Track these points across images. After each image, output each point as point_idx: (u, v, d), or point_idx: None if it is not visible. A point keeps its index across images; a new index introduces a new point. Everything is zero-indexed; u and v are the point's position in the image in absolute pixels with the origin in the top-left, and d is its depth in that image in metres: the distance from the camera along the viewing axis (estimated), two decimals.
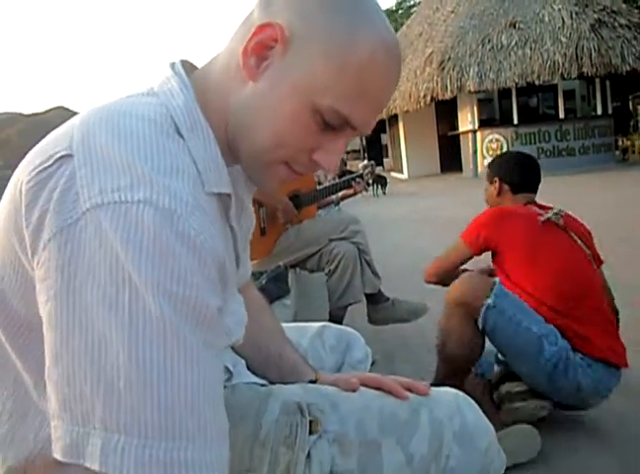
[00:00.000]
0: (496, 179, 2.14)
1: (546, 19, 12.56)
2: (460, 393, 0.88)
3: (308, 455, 0.75)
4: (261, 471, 0.75)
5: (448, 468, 0.78)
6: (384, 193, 12.10)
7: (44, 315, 0.53)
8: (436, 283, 2.18)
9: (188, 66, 0.72)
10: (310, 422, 0.77)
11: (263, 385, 0.89)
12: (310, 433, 0.76)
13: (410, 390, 0.84)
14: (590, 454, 1.76)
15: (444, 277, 2.12)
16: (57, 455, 0.51)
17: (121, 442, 0.49)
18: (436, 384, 1.55)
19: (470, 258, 2.05)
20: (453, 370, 1.91)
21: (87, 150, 0.56)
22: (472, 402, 0.86)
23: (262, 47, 0.63)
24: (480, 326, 1.80)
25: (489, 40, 12.75)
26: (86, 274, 0.51)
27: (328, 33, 0.62)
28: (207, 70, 0.70)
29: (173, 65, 0.69)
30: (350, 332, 1.19)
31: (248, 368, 0.97)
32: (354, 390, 0.85)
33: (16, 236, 0.57)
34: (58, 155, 0.56)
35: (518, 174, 2.13)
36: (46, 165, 0.56)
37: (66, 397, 0.51)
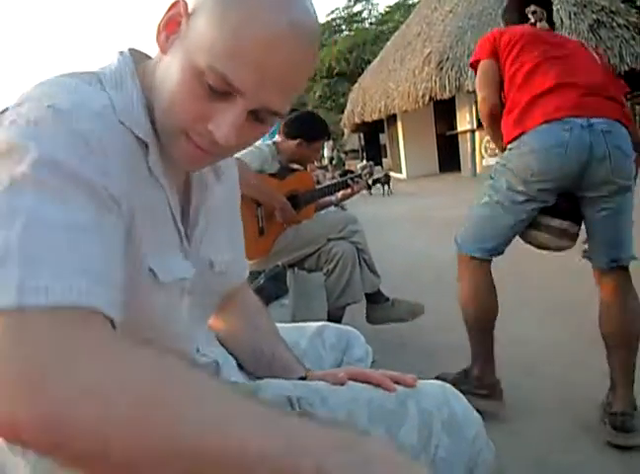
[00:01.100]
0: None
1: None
2: (447, 385, 0.90)
3: None
4: None
5: (438, 458, 0.79)
6: (389, 192, 12.14)
7: None
8: (494, 123, 2.06)
9: (138, 54, 0.78)
10: (299, 415, 0.77)
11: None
12: None
13: (398, 383, 0.85)
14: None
15: (495, 109, 2.04)
16: None
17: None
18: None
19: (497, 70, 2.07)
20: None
21: (18, 100, 0.63)
22: (459, 393, 0.89)
23: (172, 23, 0.68)
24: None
25: None
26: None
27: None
28: (148, 56, 0.77)
29: (121, 52, 0.76)
30: (349, 330, 1.19)
31: (239, 366, 0.98)
32: (342, 384, 0.85)
33: None
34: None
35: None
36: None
37: None
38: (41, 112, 0.59)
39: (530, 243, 2.06)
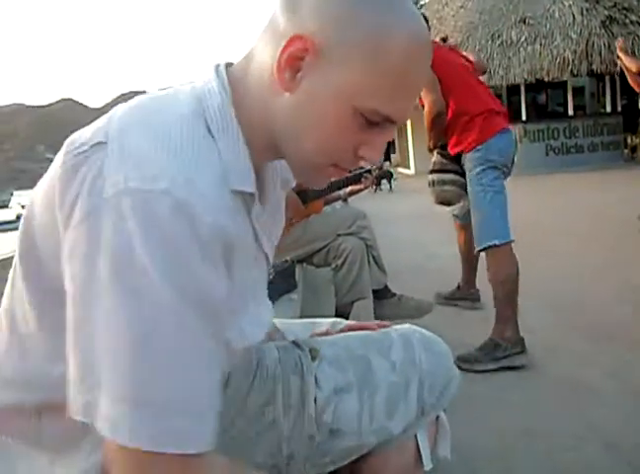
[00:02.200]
0: None
1: (556, 15, 12.47)
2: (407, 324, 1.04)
3: (316, 378, 0.87)
4: (276, 403, 0.85)
5: (423, 370, 0.91)
6: (390, 188, 12.03)
7: (69, 290, 0.58)
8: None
9: (229, 69, 0.74)
10: (310, 350, 0.91)
11: None
12: (313, 359, 0.89)
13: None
14: None
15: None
16: (72, 414, 0.57)
17: (119, 411, 0.54)
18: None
19: None
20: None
21: (119, 141, 0.60)
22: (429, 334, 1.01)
23: (293, 59, 0.64)
24: None
25: (498, 36, 12.68)
26: (104, 256, 0.55)
27: (359, 36, 0.62)
28: (244, 74, 0.71)
29: (217, 67, 0.71)
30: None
31: None
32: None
33: (52, 212, 0.61)
34: (94, 142, 0.61)
35: None
36: (82, 150, 0.61)
37: (80, 365, 0.57)
38: (157, 200, 0.55)
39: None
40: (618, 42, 5.53)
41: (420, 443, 0.90)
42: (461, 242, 3.23)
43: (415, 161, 16.54)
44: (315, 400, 0.86)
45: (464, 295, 3.35)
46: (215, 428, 0.60)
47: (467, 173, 2.66)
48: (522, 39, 12.37)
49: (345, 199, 3.26)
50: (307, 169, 0.72)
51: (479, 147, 2.59)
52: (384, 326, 1.03)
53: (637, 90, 4.64)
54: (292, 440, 0.85)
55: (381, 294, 2.80)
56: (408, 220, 7.34)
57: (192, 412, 0.57)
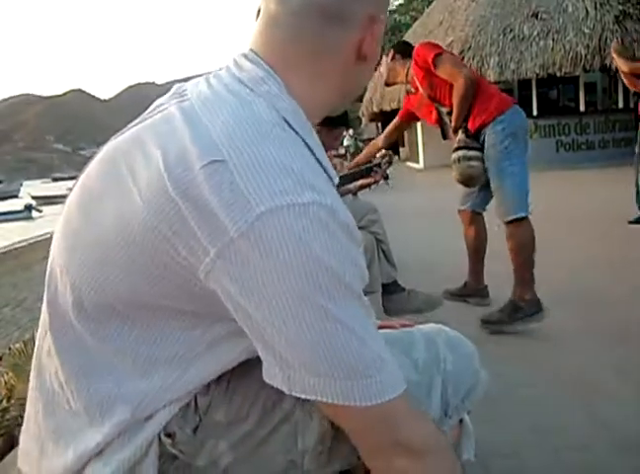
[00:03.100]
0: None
1: (569, 9, 12.35)
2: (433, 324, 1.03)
3: None
4: (290, 400, 0.81)
5: (447, 371, 0.90)
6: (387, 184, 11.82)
7: (241, 307, 0.65)
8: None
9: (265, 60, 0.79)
10: None
11: None
12: None
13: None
14: None
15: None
16: (294, 393, 0.68)
17: (366, 383, 0.67)
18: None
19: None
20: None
21: (239, 155, 0.64)
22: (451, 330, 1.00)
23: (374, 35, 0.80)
24: None
25: (510, 30, 12.56)
26: (279, 264, 0.62)
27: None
28: (287, 65, 0.77)
29: (259, 63, 0.76)
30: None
31: None
32: None
33: (169, 240, 0.65)
34: (209, 160, 0.63)
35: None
36: (195, 172, 0.64)
37: (289, 359, 0.66)
38: (312, 209, 0.63)
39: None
40: (613, 44, 5.98)
41: None
42: (470, 235, 3.18)
43: (424, 155, 16.46)
44: None
45: (473, 291, 3.30)
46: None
47: (490, 148, 2.73)
48: (535, 33, 12.25)
49: (355, 193, 3.24)
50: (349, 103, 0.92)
51: (501, 117, 2.69)
52: (407, 325, 1.03)
53: (632, 89, 4.86)
54: (307, 433, 0.83)
55: (391, 289, 2.79)
56: (418, 215, 7.30)
57: (387, 362, 0.70)
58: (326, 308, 0.64)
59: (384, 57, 3.00)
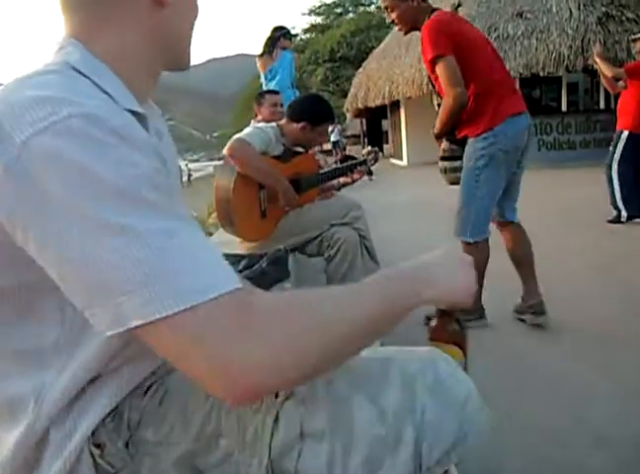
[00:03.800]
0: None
1: (554, 10, 12.44)
2: (436, 349, 0.89)
3: (277, 418, 0.76)
4: (231, 437, 0.77)
5: (425, 421, 0.76)
6: (370, 179, 11.66)
7: (31, 244, 0.61)
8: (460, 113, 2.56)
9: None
10: None
11: None
12: (276, 395, 0.77)
13: None
14: None
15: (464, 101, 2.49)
16: (105, 331, 0.60)
17: (145, 296, 0.57)
18: None
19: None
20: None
21: (6, 101, 0.62)
22: (449, 357, 0.87)
23: None
24: None
25: (495, 29, 12.63)
26: (50, 188, 0.58)
27: None
28: (93, 30, 0.76)
29: (62, 39, 0.77)
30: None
31: None
32: None
33: None
34: None
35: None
36: None
37: (86, 288, 0.60)
38: (68, 124, 0.60)
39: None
40: (595, 48, 6.04)
41: None
42: (507, 244, 2.87)
43: (408, 152, 16.52)
44: (271, 444, 0.75)
45: (526, 308, 2.85)
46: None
47: (466, 161, 2.63)
48: (519, 33, 12.33)
49: (338, 189, 3.24)
50: (188, 43, 0.84)
51: (486, 135, 2.54)
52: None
53: (612, 92, 5.22)
54: None
55: None
56: (401, 212, 7.33)
57: (208, 262, 0.62)
58: (112, 222, 0.58)
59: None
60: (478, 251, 2.60)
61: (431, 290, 0.77)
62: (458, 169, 2.70)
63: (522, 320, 2.85)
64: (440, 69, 2.47)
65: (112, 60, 0.75)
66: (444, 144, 2.81)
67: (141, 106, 0.82)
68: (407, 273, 0.80)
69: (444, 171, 2.82)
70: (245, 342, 0.59)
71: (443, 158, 2.83)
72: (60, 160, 0.58)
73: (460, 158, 2.70)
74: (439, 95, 2.73)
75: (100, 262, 0.58)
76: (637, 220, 5.19)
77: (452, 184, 2.82)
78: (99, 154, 0.59)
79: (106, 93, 0.69)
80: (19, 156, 0.58)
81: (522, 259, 2.83)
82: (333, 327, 0.65)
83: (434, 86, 2.76)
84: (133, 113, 0.72)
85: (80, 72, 0.70)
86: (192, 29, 0.84)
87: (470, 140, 2.63)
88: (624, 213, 5.22)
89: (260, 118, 4.01)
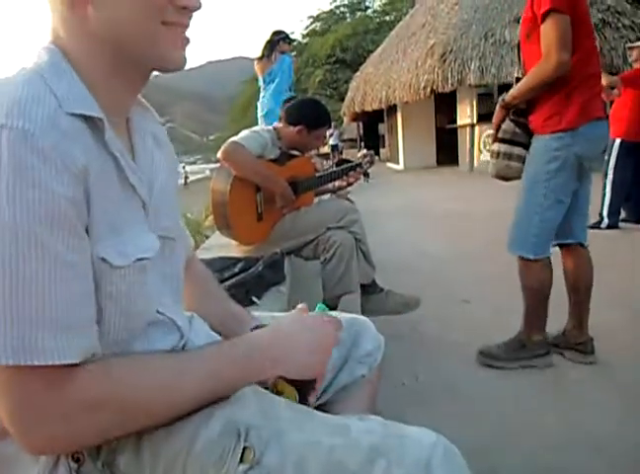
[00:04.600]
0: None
1: None
2: (442, 440, 0.74)
3: None
4: None
5: None
6: (367, 181, 11.68)
7: None
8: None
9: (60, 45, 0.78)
10: (244, 449, 0.71)
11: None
12: (242, 460, 0.70)
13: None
14: None
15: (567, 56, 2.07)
16: None
17: None
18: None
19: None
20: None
21: None
22: (454, 456, 0.73)
23: None
24: None
25: (492, 35, 12.68)
26: None
27: None
28: (57, 35, 0.76)
29: (45, 47, 0.77)
30: (360, 321, 1.19)
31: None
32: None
33: None
34: None
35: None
36: None
37: None
38: (6, 133, 0.62)
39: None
40: None
41: None
42: (569, 268, 2.47)
43: (404, 156, 16.56)
44: None
45: (572, 344, 2.48)
46: (91, 339, 0.69)
47: (532, 162, 2.26)
48: (516, 38, 12.37)
49: (334, 192, 3.24)
50: (148, 46, 0.75)
51: (564, 134, 2.15)
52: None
53: (605, 100, 4.79)
54: None
55: (369, 289, 2.79)
56: (397, 216, 7.34)
57: (54, 324, 0.64)
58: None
59: None
60: (541, 270, 2.32)
61: (276, 370, 0.82)
62: (514, 157, 2.30)
63: (561, 354, 2.50)
64: (550, 25, 2.05)
65: (76, 64, 0.75)
66: (506, 124, 2.33)
67: (127, 110, 0.83)
68: (256, 347, 0.82)
69: (497, 155, 2.36)
70: (45, 418, 0.65)
71: (502, 140, 2.34)
72: None
73: (521, 146, 2.30)
74: (523, 65, 2.31)
75: None
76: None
77: (499, 177, 2.42)
78: (14, 171, 0.62)
79: (55, 97, 0.69)
80: None
81: (583, 290, 2.44)
82: (145, 415, 0.72)
83: (519, 58, 2.38)
84: (87, 117, 0.71)
85: (43, 76, 0.71)
86: (147, 22, 0.73)
87: (541, 137, 2.23)
88: (606, 221, 5.35)
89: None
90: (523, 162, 2.30)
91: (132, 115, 0.86)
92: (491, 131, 2.44)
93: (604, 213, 5.35)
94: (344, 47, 26.69)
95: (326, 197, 3.35)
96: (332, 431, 0.74)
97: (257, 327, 1.02)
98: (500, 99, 2.35)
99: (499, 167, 2.36)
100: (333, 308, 2.57)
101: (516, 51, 2.24)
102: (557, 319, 2.49)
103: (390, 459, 0.68)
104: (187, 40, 0.79)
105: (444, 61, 12.80)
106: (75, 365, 0.66)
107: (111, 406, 0.69)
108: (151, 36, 0.74)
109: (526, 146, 2.29)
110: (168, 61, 0.77)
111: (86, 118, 0.71)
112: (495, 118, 2.37)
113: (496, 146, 2.36)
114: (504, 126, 2.33)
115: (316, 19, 33.77)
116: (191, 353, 0.81)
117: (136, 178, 0.79)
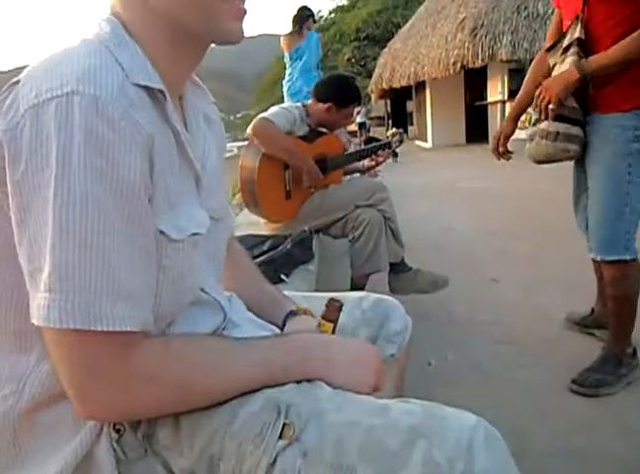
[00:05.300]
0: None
1: None
2: (483, 422, 0.71)
3: (275, 460, 0.69)
4: (229, 463, 0.72)
5: None
6: (395, 161, 11.62)
7: (12, 207, 0.64)
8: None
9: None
10: (283, 425, 0.70)
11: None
12: (281, 437, 0.70)
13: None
14: None
15: None
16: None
17: (49, 299, 0.62)
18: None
19: None
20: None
21: (29, 73, 0.67)
22: (495, 440, 0.70)
23: None
24: None
25: (525, 8, 12.36)
26: (31, 161, 0.62)
27: None
28: (115, 13, 0.77)
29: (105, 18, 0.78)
30: (388, 301, 1.18)
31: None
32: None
33: None
34: (9, 83, 0.68)
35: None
36: (1, 95, 0.68)
37: (29, 269, 0.64)
38: (66, 101, 0.62)
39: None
40: None
41: None
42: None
43: (432, 134, 16.35)
44: None
45: (601, 322, 2.36)
46: (148, 311, 0.70)
47: (605, 146, 1.92)
48: (550, 11, 12.02)
49: (363, 172, 3.22)
50: (208, 18, 0.74)
51: None
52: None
53: None
54: None
55: (398, 268, 2.78)
56: (425, 194, 7.27)
57: (116, 292, 0.64)
58: (54, 209, 0.62)
59: None
60: (638, 272, 2.00)
61: (326, 371, 0.80)
62: (573, 139, 1.94)
63: (592, 333, 2.43)
64: None
65: (136, 37, 0.75)
66: (570, 100, 1.92)
67: (182, 87, 0.84)
68: (317, 345, 0.84)
69: (555, 136, 1.94)
70: (106, 384, 0.67)
71: (561, 118, 1.94)
72: (52, 133, 0.61)
73: (579, 125, 1.94)
74: (594, 40, 1.87)
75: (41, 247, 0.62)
76: None
77: (542, 161, 2.07)
78: (84, 138, 0.62)
79: (122, 68, 0.69)
80: (17, 124, 0.63)
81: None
82: (199, 393, 0.73)
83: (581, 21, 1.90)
84: (150, 89, 0.71)
85: (107, 47, 0.71)
86: None
87: (613, 115, 1.89)
88: None
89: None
90: (581, 145, 1.96)
91: (185, 92, 0.86)
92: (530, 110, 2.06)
93: None
94: (374, 22, 26.29)
95: (356, 175, 3.34)
96: (371, 411, 0.72)
97: (292, 312, 1.04)
98: (574, 67, 1.85)
99: (554, 150, 1.96)
100: (361, 287, 2.57)
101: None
102: (583, 300, 2.45)
103: (431, 441, 0.67)
104: (244, 12, 0.77)
105: (475, 36, 12.54)
106: (137, 336, 0.68)
107: (169, 380, 0.71)
108: (208, 7, 0.73)
109: (583, 125, 1.95)
110: (226, 34, 0.76)
111: (148, 91, 0.71)
112: (562, 92, 1.88)
113: (553, 126, 1.94)
114: (565, 102, 1.92)
115: None
116: (247, 340, 0.82)
117: (193, 153, 0.80)
